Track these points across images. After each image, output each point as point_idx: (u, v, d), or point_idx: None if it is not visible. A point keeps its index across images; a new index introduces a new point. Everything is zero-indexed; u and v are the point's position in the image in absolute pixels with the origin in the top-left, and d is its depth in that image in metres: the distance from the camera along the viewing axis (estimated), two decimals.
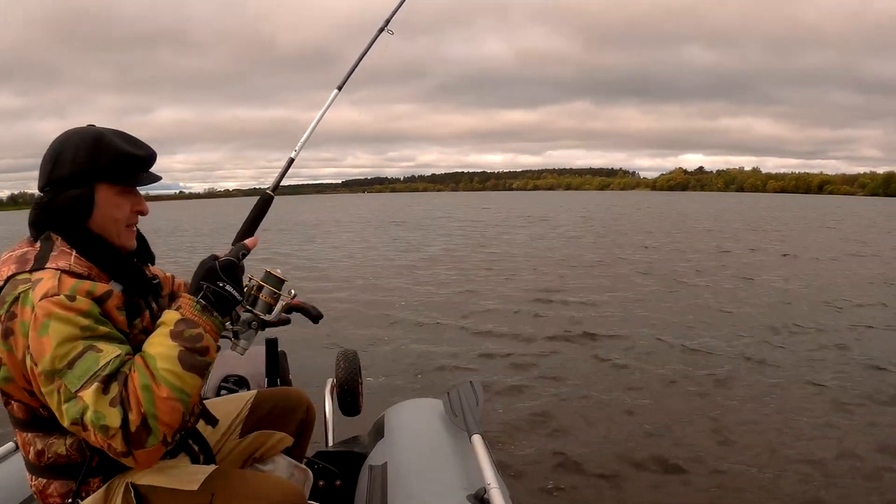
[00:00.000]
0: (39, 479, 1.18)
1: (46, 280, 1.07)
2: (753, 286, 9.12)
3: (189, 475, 1.25)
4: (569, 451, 3.48)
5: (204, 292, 1.16)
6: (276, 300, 1.35)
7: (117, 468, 1.19)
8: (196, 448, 1.38)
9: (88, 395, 0.99)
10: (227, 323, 1.27)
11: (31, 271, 1.10)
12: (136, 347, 1.10)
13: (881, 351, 5.45)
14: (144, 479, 1.22)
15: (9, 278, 1.10)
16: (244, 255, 1.29)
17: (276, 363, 2.15)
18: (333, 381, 2.26)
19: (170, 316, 1.13)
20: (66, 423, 1.02)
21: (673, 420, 3.92)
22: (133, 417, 1.00)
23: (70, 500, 1.18)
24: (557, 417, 4.00)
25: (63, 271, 1.10)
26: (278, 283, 1.36)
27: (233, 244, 1.34)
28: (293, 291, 1.39)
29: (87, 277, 1.12)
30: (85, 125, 1.23)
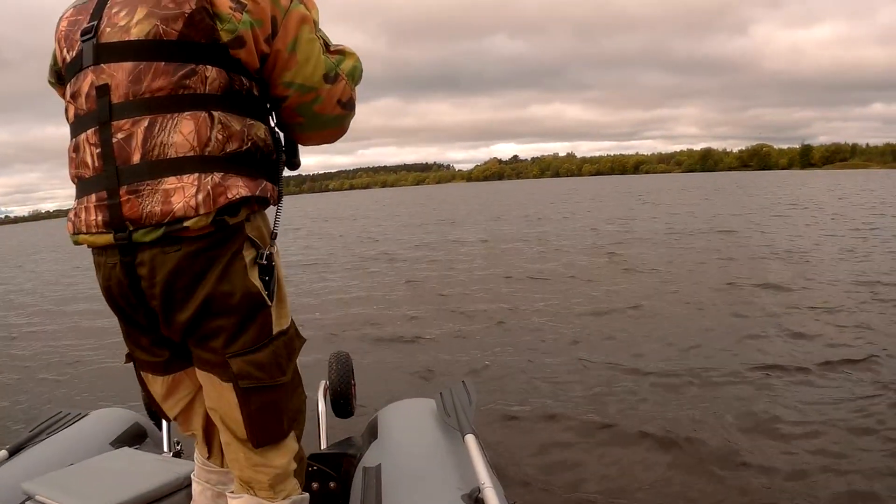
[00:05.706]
0: (216, 174, 1.04)
1: None
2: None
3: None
4: (564, 450, 3.49)
5: None
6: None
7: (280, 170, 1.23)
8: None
9: (348, 49, 1.24)
10: None
11: None
12: None
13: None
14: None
15: None
16: None
17: None
18: (326, 383, 2.26)
19: None
20: (317, 75, 1.16)
21: (676, 414, 3.94)
22: None
23: (250, 214, 1.12)
24: (554, 418, 4.02)
25: None
26: None
27: None
28: None
29: None
30: None
